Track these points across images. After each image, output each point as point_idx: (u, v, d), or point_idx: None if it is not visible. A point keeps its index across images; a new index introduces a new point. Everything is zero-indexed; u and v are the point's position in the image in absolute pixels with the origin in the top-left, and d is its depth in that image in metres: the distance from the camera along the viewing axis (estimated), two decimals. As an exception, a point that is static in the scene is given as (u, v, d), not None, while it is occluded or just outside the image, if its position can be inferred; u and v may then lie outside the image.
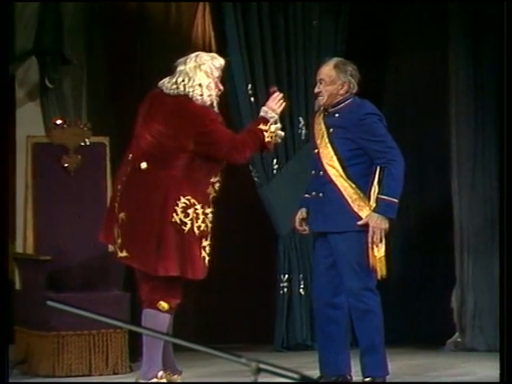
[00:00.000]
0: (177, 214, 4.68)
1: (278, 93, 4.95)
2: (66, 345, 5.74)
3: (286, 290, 6.89)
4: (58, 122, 6.31)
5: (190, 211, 4.71)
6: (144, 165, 4.78)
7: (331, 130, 5.11)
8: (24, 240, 6.15)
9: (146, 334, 4.60)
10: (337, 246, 5.02)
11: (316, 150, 5.15)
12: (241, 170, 7.32)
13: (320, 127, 5.16)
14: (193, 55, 4.96)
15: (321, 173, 5.09)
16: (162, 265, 4.67)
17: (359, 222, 4.97)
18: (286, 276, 6.91)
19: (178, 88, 4.84)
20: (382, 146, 5.02)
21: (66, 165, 6.20)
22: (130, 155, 4.88)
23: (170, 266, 4.69)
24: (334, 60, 5.21)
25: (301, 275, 6.90)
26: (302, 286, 6.88)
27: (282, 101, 4.93)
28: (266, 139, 4.84)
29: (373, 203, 5.00)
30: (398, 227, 5.26)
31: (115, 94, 7.02)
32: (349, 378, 5.13)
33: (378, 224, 4.95)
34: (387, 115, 5.33)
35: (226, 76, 7.03)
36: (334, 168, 5.06)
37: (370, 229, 4.96)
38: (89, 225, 5.95)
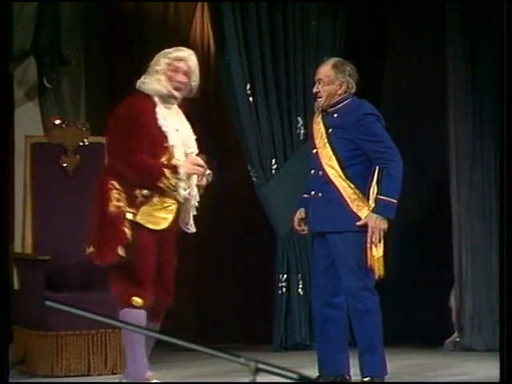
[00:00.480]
0: (110, 199, 4.71)
1: (200, 160, 4.80)
2: (64, 345, 5.73)
3: (284, 289, 6.88)
4: (57, 121, 6.30)
5: (113, 192, 4.71)
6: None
7: (330, 130, 5.10)
8: (22, 240, 6.14)
9: (145, 334, 4.58)
10: (335, 246, 5.01)
11: (315, 150, 5.14)
12: (239, 170, 7.33)
13: (319, 127, 5.16)
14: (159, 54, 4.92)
15: (320, 173, 5.08)
16: (104, 254, 4.76)
17: (358, 223, 4.96)
18: (285, 276, 6.90)
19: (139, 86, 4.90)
20: (381, 146, 5.01)
21: (64, 165, 6.20)
22: None
23: (108, 254, 4.75)
24: (333, 60, 5.20)
25: (299, 275, 6.89)
26: (300, 286, 6.87)
27: (199, 166, 4.76)
28: (159, 183, 4.69)
29: (372, 203, 5.00)
30: (397, 227, 5.25)
31: (113, 93, 7.01)
32: (347, 377, 5.13)
33: (377, 224, 4.94)
34: (385, 115, 5.32)
35: (225, 76, 7.06)
36: (332, 168, 5.05)
37: (369, 229, 4.95)
38: (86, 226, 5.93)
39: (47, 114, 6.53)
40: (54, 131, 6.27)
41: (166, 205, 4.76)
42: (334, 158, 5.06)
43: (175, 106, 4.89)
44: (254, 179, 6.99)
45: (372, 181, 5.03)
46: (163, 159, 4.73)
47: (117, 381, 4.88)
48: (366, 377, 5.01)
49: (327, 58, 5.26)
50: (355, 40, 7.03)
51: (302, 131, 6.96)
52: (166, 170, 4.70)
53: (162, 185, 4.69)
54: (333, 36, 7.06)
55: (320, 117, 5.16)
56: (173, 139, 4.77)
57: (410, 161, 5.65)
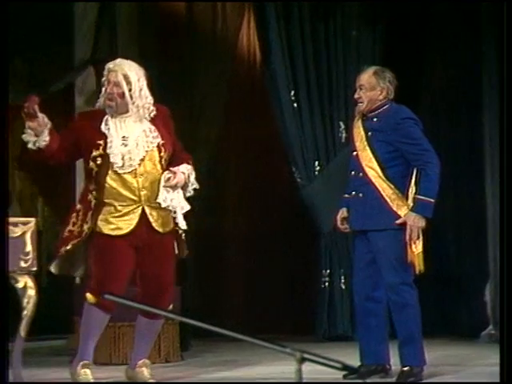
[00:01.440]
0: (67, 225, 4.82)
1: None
2: (121, 335, 5.74)
3: (327, 284, 6.86)
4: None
5: (73, 215, 4.79)
6: None
7: (370, 133, 5.07)
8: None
9: (198, 326, 4.57)
10: (376, 243, 4.98)
11: (355, 153, 5.10)
12: (284, 172, 7.31)
13: (359, 131, 5.12)
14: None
15: (360, 174, 5.05)
16: None
17: (397, 221, 4.93)
18: (328, 271, 6.88)
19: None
20: (419, 148, 4.98)
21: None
22: None
23: None
24: (373, 68, 5.18)
25: (341, 270, 6.86)
26: (342, 281, 6.85)
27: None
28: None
29: (411, 202, 4.97)
30: (434, 224, 5.19)
31: (166, 100, 7.02)
32: (388, 367, 5.08)
33: (416, 222, 4.92)
34: (423, 120, 5.28)
35: (270, 83, 7.05)
36: (372, 169, 5.02)
37: (408, 227, 4.92)
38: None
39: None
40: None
41: (122, 209, 4.75)
42: (373, 159, 5.02)
43: (129, 115, 4.82)
44: (298, 180, 6.97)
45: (411, 181, 5.00)
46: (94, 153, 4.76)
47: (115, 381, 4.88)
48: (405, 366, 4.96)
49: (367, 66, 5.24)
50: (394, 48, 6.99)
51: (344, 135, 6.93)
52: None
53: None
54: (372, 45, 7.04)
55: (360, 121, 5.13)
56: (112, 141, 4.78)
57: (447, 162, 5.58)
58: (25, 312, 4.67)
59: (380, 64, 5.97)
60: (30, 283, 4.66)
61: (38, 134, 4.72)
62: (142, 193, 4.77)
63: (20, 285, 4.66)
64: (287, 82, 6.88)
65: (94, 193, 4.76)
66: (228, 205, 7.55)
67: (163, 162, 4.84)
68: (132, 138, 4.79)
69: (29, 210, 7.43)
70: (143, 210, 4.78)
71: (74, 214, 4.79)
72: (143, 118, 4.83)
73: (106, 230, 4.74)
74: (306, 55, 6.94)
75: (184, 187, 4.89)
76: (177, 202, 4.85)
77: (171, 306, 4.91)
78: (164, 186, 4.80)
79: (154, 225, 4.80)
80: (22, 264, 4.64)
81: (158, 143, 4.82)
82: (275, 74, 6.89)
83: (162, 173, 4.82)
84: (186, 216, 6.65)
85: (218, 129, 6.98)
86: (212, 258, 7.35)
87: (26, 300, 4.66)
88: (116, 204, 4.74)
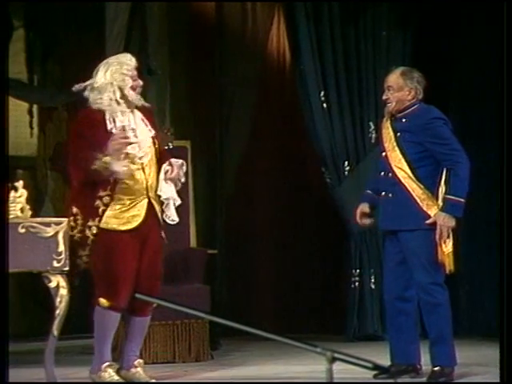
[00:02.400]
0: (69, 222, 4.73)
1: (122, 133, 4.74)
2: (152, 334, 5.75)
3: (357, 284, 6.84)
4: (144, 127, 6.32)
5: (69, 219, 4.72)
6: None
7: (399, 134, 5.04)
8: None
9: (229, 326, 4.57)
10: (407, 244, 4.95)
11: (384, 153, 5.08)
12: (314, 172, 7.29)
13: (388, 131, 5.10)
14: (102, 66, 4.84)
15: (390, 174, 5.02)
16: None
17: (427, 221, 4.90)
18: (358, 271, 6.86)
19: (89, 97, 4.82)
20: (448, 148, 4.95)
21: (151, 167, 6.21)
22: None
23: None
24: (401, 68, 5.16)
25: (371, 270, 6.84)
26: (372, 281, 6.82)
27: (123, 143, 4.70)
28: (93, 166, 4.63)
29: (440, 202, 4.94)
30: (464, 224, 5.16)
31: (196, 101, 7.04)
32: (418, 367, 5.05)
33: (446, 222, 4.88)
34: (452, 120, 5.24)
35: (300, 84, 7.03)
36: (402, 170, 5.00)
37: (438, 227, 4.89)
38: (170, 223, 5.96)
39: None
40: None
41: (131, 203, 4.73)
42: (403, 160, 5.00)
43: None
44: (328, 180, 6.95)
45: (440, 181, 4.97)
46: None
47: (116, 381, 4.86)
48: (436, 366, 4.93)
49: (395, 67, 5.21)
50: (423, 48, 6.95)
51: (374, 135, 6.89)
52: (98, 155, 4.68)
53: (96, 167, 4.63)
54: (402, 45, 7.00)
55: (389, 122, 5.10)
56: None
57: (476, 162, 5.53)
58: (57, 311, 4.69)
59: (410, 64, 5.95)
60: (63, 283, 4.68)
61: (119, 159, 4.69)
62: (149, 184, 4.80)
63: (53, 284, 4.68)
64: (317, 82, 6.86)
65: (104, 199, 4.71)
66: (258, 204, 7.54)
67: (157, 155, 4.89)
68: (138, 129, 4.85)
69: (61, 210, 7.47)
70: (149, 201, 4.79)
71: (72, 218, 4.71)
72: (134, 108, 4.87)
73: (116, 225, 4.71)
74: (336, 56, 6.92)
75: (177, 181, 4.89)
76: (174, 195, 4.85)
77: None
78: (164, 179, 4.81)
79: (159, 216, 4.83)
80: (55, 264, 4.66)
81: (152, 136, 4.88)
82: (305, 75, 6.88)
83: (158, 165, 4.84)
84: (215, 214, 6.64)
85: (247, 129, 6.97)
86: (241, 257, 7.34)
87: (58, 299, 4.68)
88: (125, 198, 4.73)
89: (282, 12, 7.12)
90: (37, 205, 6.83)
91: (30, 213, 4.72)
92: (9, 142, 6.09)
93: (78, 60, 7.18)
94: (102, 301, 4.74)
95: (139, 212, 4.76)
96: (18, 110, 7.24)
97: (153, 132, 4.92)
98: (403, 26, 7.02)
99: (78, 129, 4.80)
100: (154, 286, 4.81)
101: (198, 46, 7.12)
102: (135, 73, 4.85)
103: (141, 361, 4.95)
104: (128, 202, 4.74)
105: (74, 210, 4.73)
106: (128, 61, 4.87)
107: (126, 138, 4.73)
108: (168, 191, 4.84)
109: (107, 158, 4.64)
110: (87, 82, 4.84)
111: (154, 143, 4.89)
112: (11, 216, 4.66)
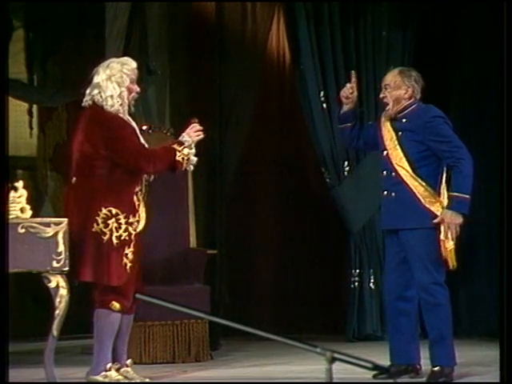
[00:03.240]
0: (97, 224, 4.67)
1: (196, 124, 4.88)
2: (151, 334, 5.74)
3: (357, 284, 6.84)
4: (144, 127, 6.32)
5: (111, 221, 4.68)
6: (74, 179, 4.78)
7: (400, 133, 5.04)
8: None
9: (230, 326, 4.56)
10: (408, 243, 4.94)
11: (385, 152, 5.07)
12: (313, 172, 7.28)
13: (388, 131, 5.09)
14: (104, 65, 4.85)
15: (392, 174, 5.02)
16: (79, 271, 4.70)
17: (435, 220, 4.89)
18: (357, 271, 6.86)
19: (92, 99, 4.78)
20: (450, 146, 4.95)
21: (150, 167, 6.21)
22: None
23: (85, 272, 4.70)
24: (399, 68, 5.17)
25: (371, 270, 6.84)
26: (372, 281, 6.82)
27: (199, 131, 4.85)
28: (177, 158, 4.75)
29: (443, 199, 4.94)
30: (466, 224, 5.15)
31: (195, 102, 7.03)
32: (418, 367, 5.04)
33: (453, 219, 4.88)
34: (453, 120, 5.24)
35: (300, 84, 7.03)
36: (403, 168, 4.99)
37: (445, 224, 4.88)
38: (170, 224, 5.96)
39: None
40: (142, 136, 6.29)
41: (137, 203, 4.76)
42: (404, 159, 4.99)
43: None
44: (328, 180, 6.94)
45: (442, 179, 4.97)
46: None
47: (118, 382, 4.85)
48: (435, 366, 4.92)
49: (393, 67, 5.21)
50: (423, 48, 6.94)
51: (373, 135, 6.88)
52: (175, 146, 4.80)
53: (179, 159, 4.76)
54: (402, 45, 7.00)
55: (388, 122, 5.09)
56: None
57: (477, 160, 5.53)
58: (57, 311, 4.68)
59: (410, 64, 5.94)
60: (62, 283, 4.67)
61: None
62: (146, 183, 4.85)
63: (52, 284, 4.67)
64: (317, 82, 6.86)
65: (139, 194, 4.76)
66: (257, 204, 7.54)
67: None
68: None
69: (61, 210, 7.46)
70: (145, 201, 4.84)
71: (113, 220, 4.68)
72: None
73: (139, 227, 4.78)
74: (336, 56, 6.91)
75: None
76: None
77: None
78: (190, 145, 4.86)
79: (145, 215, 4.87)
80: (55, 264, 4.65)
81: None
82: (305, 75, 6.88)
83: None
84: (215, 215, 6.62)
85: (246, 129, 6.97)
86: (241, 257, 7.34)
87: (58, 299, 4.67)
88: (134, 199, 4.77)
89: (282, 12, 7.12)
90: (36, 205, 6.82)
91: (30, 213, 4.72)
92: (8, 142, 6.08)
93: (78, 60, 7.17)
94: (115, 304, 4.74)
95: (142, 212, 4.81)
96: (17, 110, 7.24)
97: None
98: (403, 25, 7.02)
99: (115, 125, 4.74)
100: (139, 286, 4.84)
101: (198, 46, 7.11)
102: (134, 77, 4.84)
103: (131, 360, 4.96)
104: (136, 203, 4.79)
105: (114, 211, 4.69)
106: (129, 62, 4.87)
107: (201, 130, 4.85)
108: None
109: (187, 150, 4.77)
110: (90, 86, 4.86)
111: None
112: (11, 216, 4.65)
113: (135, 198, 4.75)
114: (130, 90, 4.82)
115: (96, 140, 4.72)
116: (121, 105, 4.77)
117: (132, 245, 4.72)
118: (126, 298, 4.75)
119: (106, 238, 4.67)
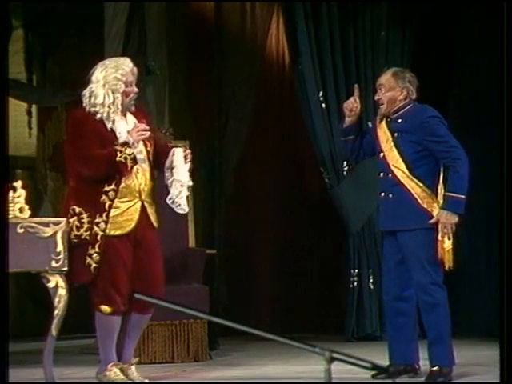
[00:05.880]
0: (68, 223, 4.67)
1: (142, 125, 4.74)
2: (150, 334, 5.75)
3: (356, 284, 6.84)
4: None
5: (72, 220, 4.66)
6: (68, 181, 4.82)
7: (396, 134, 5.04)
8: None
9: (229, 326, 4.57)
10: (406, 243, 4.95)
11: (382, 154, 5.07)
12: (312, 172, 7.28)
13: (384, 132, 5.09)
14: (100, 68, 4.78)
15: (389, 175, 5.02)
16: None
17: (430, 221, 4.90)
18: (356, 271, 6.86)
19: (84, 102, 4.77)
20: (446, 146, 4.96)
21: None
22: None
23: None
24: (392, 69, 5.16)
25: (370, 270, 6.84)
26: (371, 281, 6.82)
27: (141, 131, 4.70)
28: (118, 158, 4.62)
29: (440, 200, 4.95)
30: (463, 223, 5.15)
31: (194, 101, 7.04)
32: (417, 367, 5.04)
33: (448, 219, 4.88)
34: (451, 120, 5.24)
35: (299, 84, 7.03)
36: (400, 170, 5.00)
37: (441, 224, 4.88)
38: (169, 223, 5.95)
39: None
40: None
41: (126, 207, 4.70)
42: (400, 160, 5.00)
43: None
44: (327, 180, 6.94)
45: (439, 179, 4.98)
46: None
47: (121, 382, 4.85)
48: (434, 366, 4.93)
49: (387, 69, 5.21)
50: (422, 48, 6.94)
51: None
52: (117, 147, 4.66)
53: (121, 159, 4.62)
54: (401, 45, 7.00)
55: (384, 123, 5.10)
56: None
57: (476, 161, 5.53)
58: (56, 311, 4.68)
59: (408, 64, 5.93)
60: (61, 283, 4.68)
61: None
62: (141, 187, 4.76)
63: (51, 284, 4.67)
64: (316, 82, 6.86)
65: (110, 193, 4.68)
66: (256, 204, 7.54)
67: (150, 157, 4.84)
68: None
69: (60, 210, 7.46)
70: (142, 205, 4.76)
71: (75, 218, 4.67)
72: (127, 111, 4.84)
73: (111, 231, 4.68)
74: (335, 56, 6.91)
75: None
76: (189, 182, 4.85)
77: None
78: (184, 163, 4.78)
79: (151, 219, 4.80)
80: (54, 264, 4.66)
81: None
82: (304, 75, 6.87)
83: (151, 169, 4.81)
84: (214, 214, 6.60)
85: (245, 129, 6.97)
86: (240, 257, 7.34)
87: (57, 299, 4.67)
88: (117, 202, 4.70)
89: (281, 12, 7.12)
90: (36, 205, 6.83)
91: (28, 213, 4.72)
92: (8, 142, 6.09)
93: (77, 60, 7.17)
94: (104, 308, 4.72)
95: (132, 216, 4.73)
96: (16, 110, 7.24)
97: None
98: (402, 25, 7.02)
99: (77, 128, 4.74)
100: (154, 289, 4.76)
101: (197, 46, 7.12)
102: (130, 79, 4.77)
103: (136, 359, 4.95)
104: (120, 205, 4.71)
105: (77, 209, 4.68)
106: (124, 66, 4.79)
107: (146, 129, 4.72)
108: (187, 176, 4.81)
109: (130, 150, 4.65)
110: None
111: (146, 145, 4.83)
112: (10, 216, 4.65)
113: (105, 197, 4.68)
114: (126, 94, 4.76)
115: (64, 144, 4.83)
116: (113, 112, 4.73)
117: (97, 245, 4.65)
118: (115, 302, 4.70)
119: (72, 236, 4.67)
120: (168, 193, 4.82)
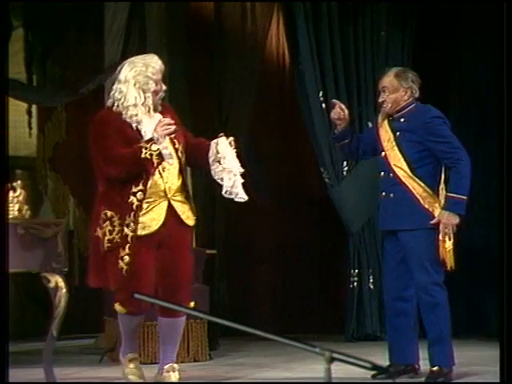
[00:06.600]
0: (100, 228, 4.62)
1: (167, 119, 4.65)
2: (150, 334, 5.75)
3: (356, 284, 6.85)
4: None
5: (105, 224, 4.60)
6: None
7: (398, 133, 5.05)
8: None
9: (229, 326, 4.57)
10: (407, 243, 4.96)
11: (383, 153, 5.08)
12: (312, 172, 7.29)
13: (386, 131, 5.10)
14: (126, 66, 4.68)
15: (390, 175, 5.03)
16: (88, 277, 4.71)
17: (432, 221, 4.91)
18: (356, 271, 6.87)
19: (112, 103, 4.69)
20: (449, 146, 4.96)
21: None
22: None
23: (91, 278, 4.69)
24: (394, 69, 5.15)
25: (370, 270, 6.85)
26: (371, 281, 6.83)
27: (166, 126, 4.60)
28: (143, 155, 4.53)
29: (442, 200, 4.95)
30: (465, 224, 5.16)
31: (194, 101, 7.04)
32: (417, 367, 5.05)
33: (449, 220, 4.90)
34: (452, 119, 5.25)
35: (299, 83, 7.03)
36: (401, 169, 5.00)
37: (442, 225, 4.89)
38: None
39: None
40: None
41: (148, 207, 4.61)
42: (402, 159, 5.00)
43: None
44: (327, 180, 6.95)
45: (440, 179, 4.98)
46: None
47: (121, 381, 4.86)
48: (434, 366, 4.94)
49: (388, 69, 5.21)
50: (422, 48, 6.95)
51: (372, 135, 6.89)
52: (141, 144, 4.58)
53: (146, 156, 4.53)
54: (401, 45, 7.00)
55: (386, 122, 5.10)
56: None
57: (476, 160, 5.54)
58: (56, 311, 4.69)
59: (409, 64, 5.94)
60: (61, 283, 4.68)
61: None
62: (167, 186, 4.66)
63: (51, 284, 4.68)
64: (315, 82, 6.86)
65: (138, 194, 4.58)
66: (256, 204, 7.54)
67: (179, 155, 4.75)
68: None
69: (60, 210, 7.47)
70: (169, 203, 4.66)
71: (108, 222, 4.59)
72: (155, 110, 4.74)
73: (138, 231, 4.59)
74: (335, 55, 6.92)
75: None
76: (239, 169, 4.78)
77: (192, 304, 4.77)
78: (230, 152, 4.72)
79: (182, 217, 4.70)
80: (54, 264, 4.66)
81: (170, 136, 4.69)
82: (303, 75, 6.88)
83: (180, 167, 4.72)
84: (214, 214, 6.58)
85: (245, 129, 6.97)
86: (240, 257, 7.35)
87: (57, 299, 4.68)
88: (144, 202, 4.60)
89: (281, 12, 7.13)
90: (36, 205, 6.83)
91: (28, 213, 4.72)
92: (8, 142, 6.09)
93: (77, 60, 7.18)
94: (118, 307, 4.68)
95: (158, 215, 4.64)
96: (16, 110, 7.24)
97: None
98: (402, 25, 7.02)
99: (100, 129, 4.64)
100: (180, 291, 4.67)
101: (197, 45, 7.12)
102: (160, 76, 4.67)
103: (174, 365, 4.82)
104: (145, 206, 4.61)
105: (109, 213, 4.59)
106: (153, 63, 4.69)
107: (171, 123, 4.61)
108: (237, 164, 4.73)
109: (155, 146, 4.56)
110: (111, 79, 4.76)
111: (174, 143, 4.72)
112: (10, 216, 4.66)
113: (133, 198, 4.59)
114: (156, 93, 4.67)
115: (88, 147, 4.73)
116: (146, 112, 4.65)
117: (128, 247, 4.57)
118: (130, 302, 4.60)
119: (104, 241, 4.61)
120: (221, 186, 4.74)
